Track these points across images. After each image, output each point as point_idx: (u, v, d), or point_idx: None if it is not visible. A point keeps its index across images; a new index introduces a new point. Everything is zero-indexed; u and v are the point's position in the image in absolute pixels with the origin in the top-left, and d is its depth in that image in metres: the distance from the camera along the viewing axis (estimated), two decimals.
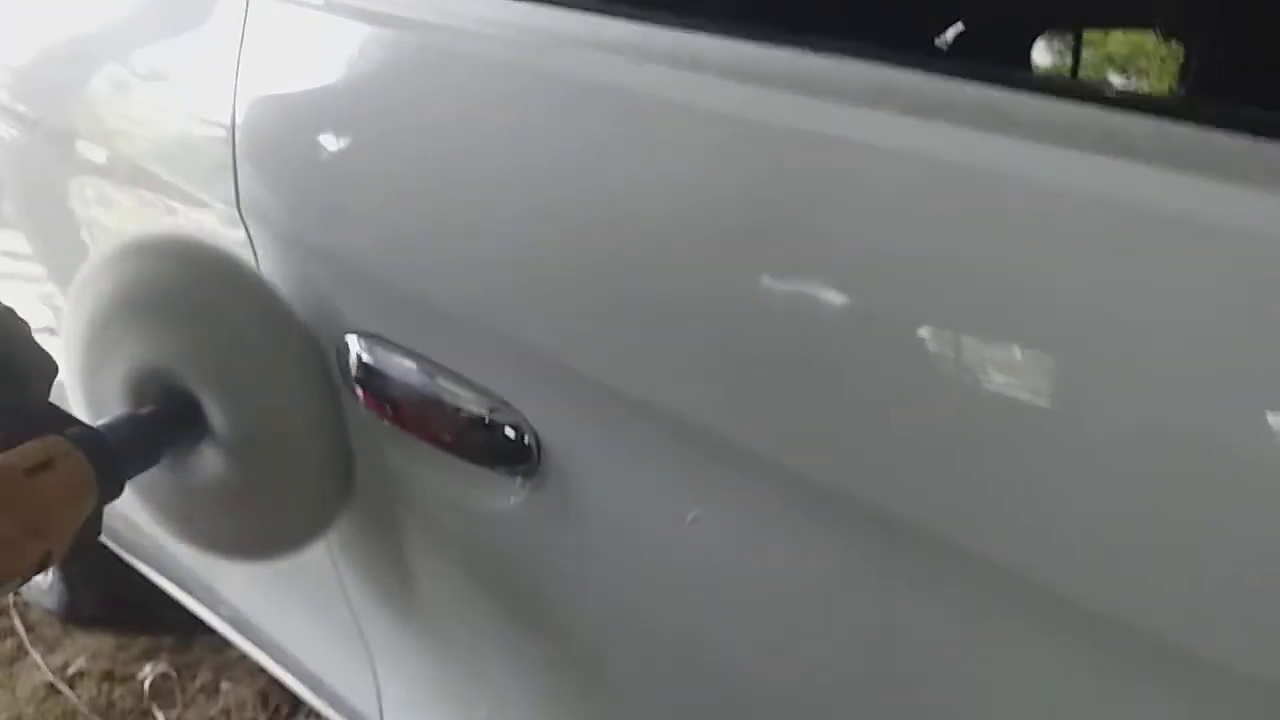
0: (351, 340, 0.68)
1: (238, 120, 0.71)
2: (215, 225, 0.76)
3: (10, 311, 0.66)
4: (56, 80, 0.93)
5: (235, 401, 0.70)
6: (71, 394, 0.78)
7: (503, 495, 0.64)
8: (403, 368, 0.66)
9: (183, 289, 0.71)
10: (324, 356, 0.70)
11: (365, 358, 0.67)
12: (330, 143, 0.66)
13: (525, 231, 0.56)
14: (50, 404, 0.66)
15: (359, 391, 0.68)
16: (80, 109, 0.89)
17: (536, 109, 0.56)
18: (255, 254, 0.74)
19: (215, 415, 0.71)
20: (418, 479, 0.70)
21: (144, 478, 0.70)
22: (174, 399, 0.72)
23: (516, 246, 0.56)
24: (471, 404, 0.63)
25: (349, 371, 0.69)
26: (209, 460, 0.73)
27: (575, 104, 0.55)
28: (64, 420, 0.65)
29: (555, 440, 0.60)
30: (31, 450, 0.59)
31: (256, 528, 0.77)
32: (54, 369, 0.67)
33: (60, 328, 0.77)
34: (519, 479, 0.63)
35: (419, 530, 0.73)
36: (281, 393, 0.71)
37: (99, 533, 0.65)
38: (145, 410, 0.72)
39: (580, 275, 0.54)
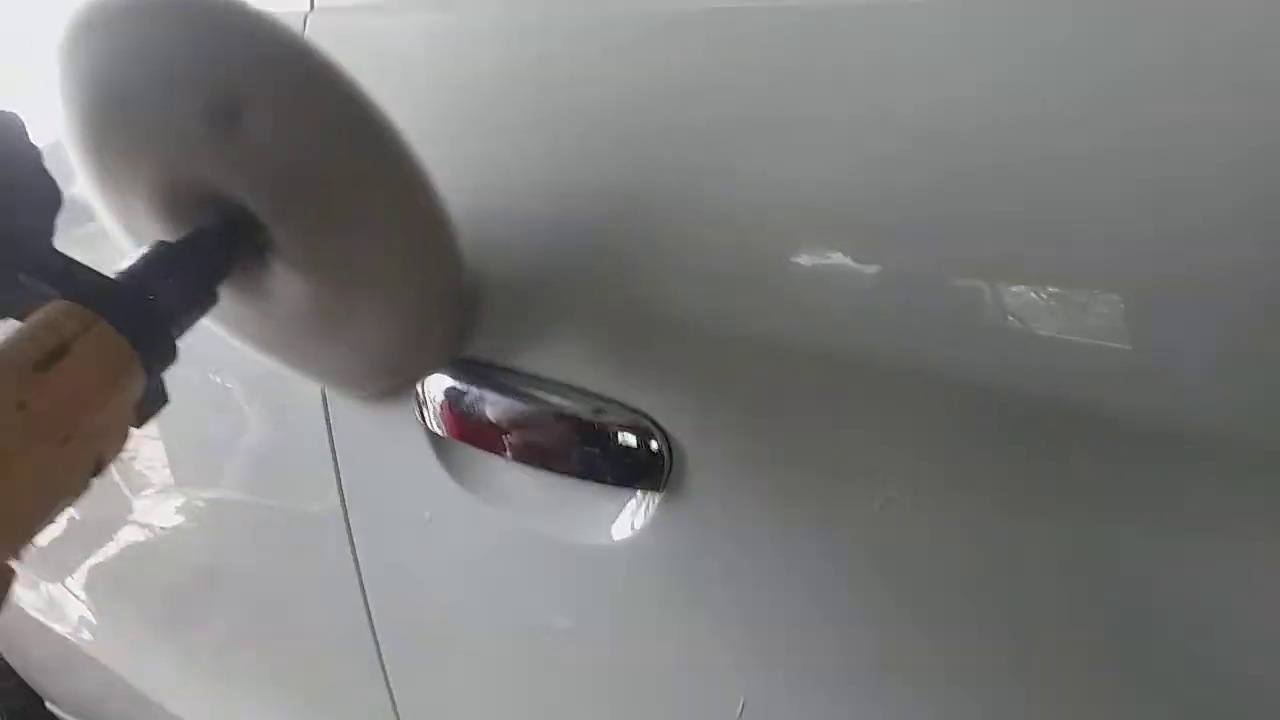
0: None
1: None
2: None
3: (20, 124, 0.48)
4: None
5: (317, 199, 0.52)
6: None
7: (624, 519, 0.55)
8: (498, 386, 0.58)
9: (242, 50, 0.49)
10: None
11: (453, 384, 0.59)
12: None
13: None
14: (55, 251, 0.48)
15: (444, 426, 0.60)
16: None
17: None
18: None
19: (284, 225, 0.52)
20: (512, 519, 0.60)
21: (220, 315, 0.53)
22: (220, 207, 0.52)
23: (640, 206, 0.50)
24: (583, 413, 0.54)
25: (427, 405, 0.61)
26: (288, 277, 0.54)
27: None
28: (77, 275, 0.46)
29: (691, 439, 0.51)
30: (38, 331, 0.42)
31: (385, 340, 0.59)
32: (57, 197, 0.49)
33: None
34: (642, 496, 0.54)
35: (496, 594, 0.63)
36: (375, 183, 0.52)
37: (165, 401, 0.49)
38: (185, 236, 0.52)
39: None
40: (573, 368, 0.55)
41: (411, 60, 0.63)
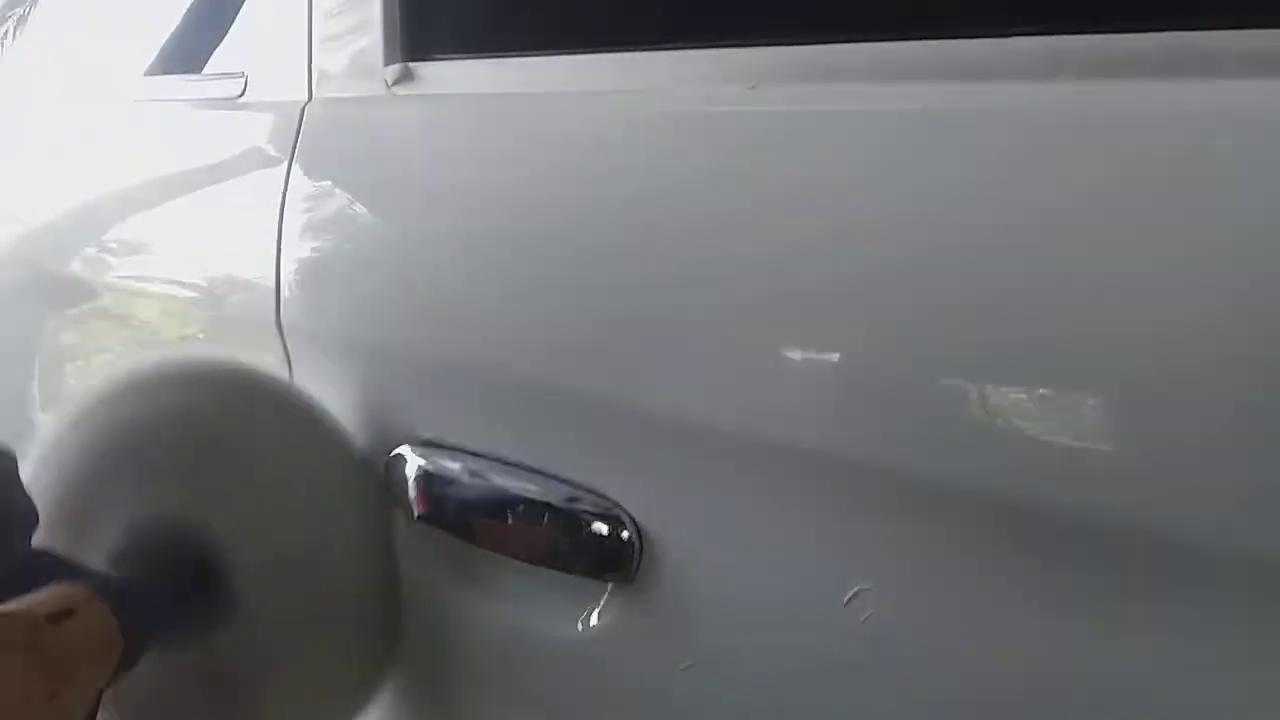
0: (405, 451, 0.60)
1: (284, 230, 0.66)
2: (250, 348, 0.69)
3: (14, 464, 0.55)
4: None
5: (268, 550, 0.58)
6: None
7: (593, 610, 0.54)
8: (469, 471, 0.57)
9: (202, 420, 0.60)
10: (373, 485, 0.61)
11: (425, 466, 0.59)
12: (388, 235, 0.62)
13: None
14: (46, 550, 0.55)
15: (415, 506, 0.59)
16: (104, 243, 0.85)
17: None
18: (292, 379, 0.67)
19: (240, 574, 0.58)
20: (480, 609, 0.59)
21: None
22: (184, 559, 0.58)
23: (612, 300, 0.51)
24: (554, 499, 0.54)
25: (402, 488, 0.60)
26: (230, 636, 0.58)
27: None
28: (69, 567, 0.54)
29: (661, 530, 0.51)
30: (49, 597, 0.49)
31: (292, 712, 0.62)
32: (36, 518, 0.55)
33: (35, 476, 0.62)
34: (610, 585, 0.53)
35: (480, 678, 0.61)
36: (326, 535, 0.59)
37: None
38: (158, 566, 0.58)
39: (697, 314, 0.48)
40: (546, 455, 0.54)
41: (403, 149, 0.65)
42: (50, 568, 0.53)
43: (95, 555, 0.58)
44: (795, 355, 0.46)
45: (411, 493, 0.59)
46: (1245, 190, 0.36)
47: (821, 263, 0.45)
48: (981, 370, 0.41)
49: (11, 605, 0.47)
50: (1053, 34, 0.42)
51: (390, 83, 0.65)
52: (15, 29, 1.37)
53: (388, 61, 0.66)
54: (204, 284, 0.76)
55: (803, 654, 0.47)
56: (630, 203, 0.52)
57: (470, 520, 0.58)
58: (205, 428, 0.60)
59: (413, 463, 0.59)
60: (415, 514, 0.60)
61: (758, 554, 0.48)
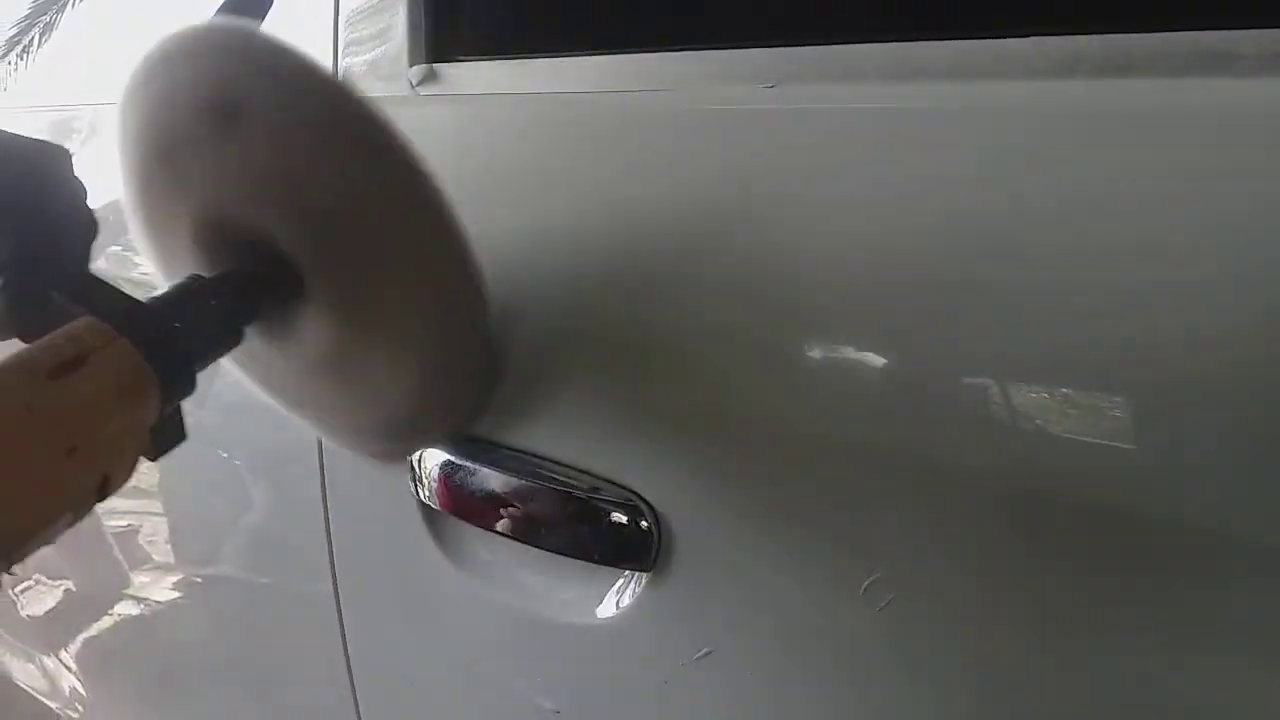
0: None
1: None
2: None
3: (51, 145, 0.49)
4: None
5: (356, 246, 0.52)
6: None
7: (611, 598, 0.55)
8: (490, 462, 0.58)
9: (290, 92, 0.50)
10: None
11: (448, 458, 0.60)
12: None
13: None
14: (90, 274, 0.48)
15: (439, 497, 0.60)
16: None
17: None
18: None
19: (321, 272, 0.52)
20: (500, 596, 0.60)
21: (243, 357, 0.53)
22: (257, 249, 0.52)
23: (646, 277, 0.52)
24: (574, 489, 0.55)
25: (422, 479, 0.61)
26: (312, 330, 0.54)
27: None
28: (106, 296, 0.47)
29: (680, 519, 0.52)
30: (57, 343, 0.43)
31: (406, 396, 0.57)
32: (94, 227, 0.50)
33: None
34: (628, 574, 0.54)
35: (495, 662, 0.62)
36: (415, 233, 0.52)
37: (182, 437, 0.49)
38: (218, 274, 0.53)
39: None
40: (566, 446, 0.56)
41: (427, 148, 0.66)
42: (88, 294, 0.47)
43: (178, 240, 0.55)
44: (812, 344, 0.47)
45: (435, 484, 0.61)
46: None
47: (837, 254, 0.46)
48: (997, 361, 0.41)
49: (21, 353, 0.42)
50: (1070, 34, 0.43)
51: (415, 83, 0.67)
52: (40, 36, 1.39)
53: (412, 62, 0.67)
54: None
55: (819, 642, 0.48)
56: (652, 200, 0.53)
57: (491, 510, 0.59)
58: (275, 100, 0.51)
59: (437, 455, 0.60)
60: (439, 504, 0.61)
61: (775, 543, 0.49)
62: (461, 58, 0.66)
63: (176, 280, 0.51)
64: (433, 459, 0.60)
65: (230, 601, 0.86)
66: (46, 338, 0.42)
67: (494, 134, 0.63)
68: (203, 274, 0.52)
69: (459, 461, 0.59)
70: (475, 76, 0.65)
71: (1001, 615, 0.43)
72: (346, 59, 0.71)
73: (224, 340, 0.51)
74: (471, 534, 0.60)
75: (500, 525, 0.58)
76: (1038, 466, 0.40)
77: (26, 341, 0.44)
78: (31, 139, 0.48)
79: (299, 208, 0.52)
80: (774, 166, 0.49)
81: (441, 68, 0.66)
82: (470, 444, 0.59)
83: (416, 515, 0.63)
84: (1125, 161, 0.40)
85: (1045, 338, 0.40)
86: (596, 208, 0.55)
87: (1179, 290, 0.38)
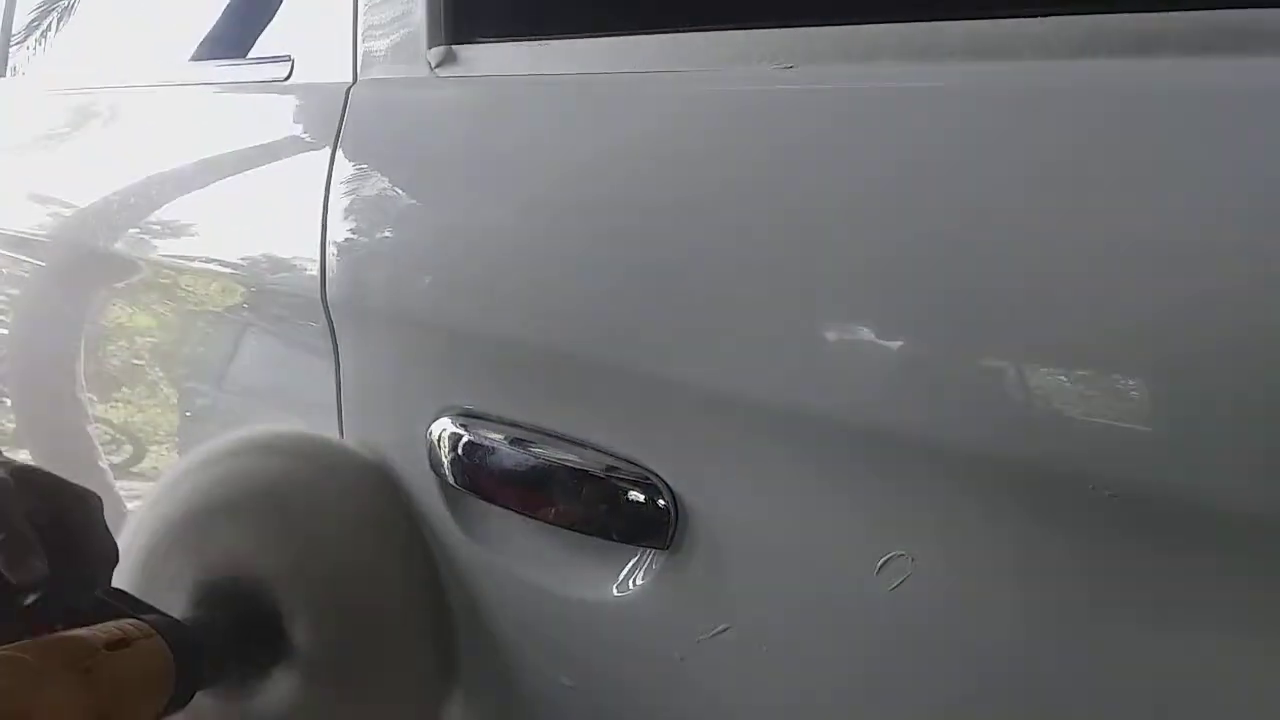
0: (447, 421, 0.62)
1: (330, 208, 0.68)
2: (295, 323, 0.71)
3: (87, 492, 0.60)
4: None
5: (329, 607, 0.63)
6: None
7: (627, 576, 0.55)
8: (509, 440, 0.59)
9: (274, 483, 0.67)
10: (423, 541, 0.64)
11: (466, 436, 0.60)
12: (431, 213, 0.64)
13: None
14: (118, 589, 0.60)
15: (456, 474, 0.61)
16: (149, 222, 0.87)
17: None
18: (337, 353, 0.69)
19: (301, 626, 0.62)
20: (517, 573, 0.61)
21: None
22: (252, 609, 0.63)
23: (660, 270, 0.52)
24: (591, 468, 0.55)
25: (443, 457, 0.62)
26: (285, 684, 0.63)
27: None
28: (137, 604, 0.59)
29: (697, 498, 0.52)
30: (109, 627, 0.53)
31: None
32: (115, 557, 0.60)
33: (126, 536, 0.69)
34: (646, 552, 0.54)
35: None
36: (382, 591, 0.64)
37: None
38: (222, 615, 0.63)
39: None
40: (585, 424, 0.56)
41: (446, 129, 0.66)
42: (121, 605, 0.58)
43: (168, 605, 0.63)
44: (830, 325, 0.47)
45: (453, 462, 0.61)
46: None
47: (856, 235, 0.46)
48: (1017, 342, 0.42)
49: (76, 631, 0.52)
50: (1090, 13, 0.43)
51: (434, 65, 0.67)
52: (58, 20, 1.40)
53: (431, 44, 0.67)
54: (251, 261, 0.78)
55: (836, 621, 0.48)
56: (670, 181, 0.53)
57: (509, 488, 0.59)
58: (274, 494, 0.66)
59: (454, 433, 0.61)
60: (456, 482, 0.61)
61: (792, 521, 0.49)
62: (480, 39, 0.66)
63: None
64: (451, 437, 0.61)
65: None
66: (99, 625, 0.53)
67: (513, 116, 0.63)
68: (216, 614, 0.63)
69: (478, 440, 0.60)
70: (494, 58, 0.66)
71: (1016, 597, 0.43)
72: (366, 41, 0.71)
73: (225, 667, 0.61)
74: (490, 512, 0.61)
75: (519, 503, 0.59)
76: (1053, 448, 0.41)
77: None
78: (73, 484, 0.59)
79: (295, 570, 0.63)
80: (793, 148, 0.50)
81: (460, 49, 0.66)
82: (487, 421, 0.60)
83: (435, 492, 0.63)
84: (1144, 142, 0.40)
85: (1065, 320, 0.40)
86: (615, 190, 0.55)
87: (1198, 273, 0.38)
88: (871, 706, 0.48)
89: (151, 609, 0.59)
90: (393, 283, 0.65)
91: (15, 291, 1.19)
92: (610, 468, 0.55)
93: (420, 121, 0.68)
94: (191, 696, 0.57)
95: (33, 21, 1.40)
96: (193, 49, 0.99)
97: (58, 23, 1.39)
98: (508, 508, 0.60)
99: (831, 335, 0.47)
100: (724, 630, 0.52)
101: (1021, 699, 0.44)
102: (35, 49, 1.39)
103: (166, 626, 0.56)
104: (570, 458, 0.56)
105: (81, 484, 0.59)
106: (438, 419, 0.62)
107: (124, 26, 1.19)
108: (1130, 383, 0.39)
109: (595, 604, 0.56)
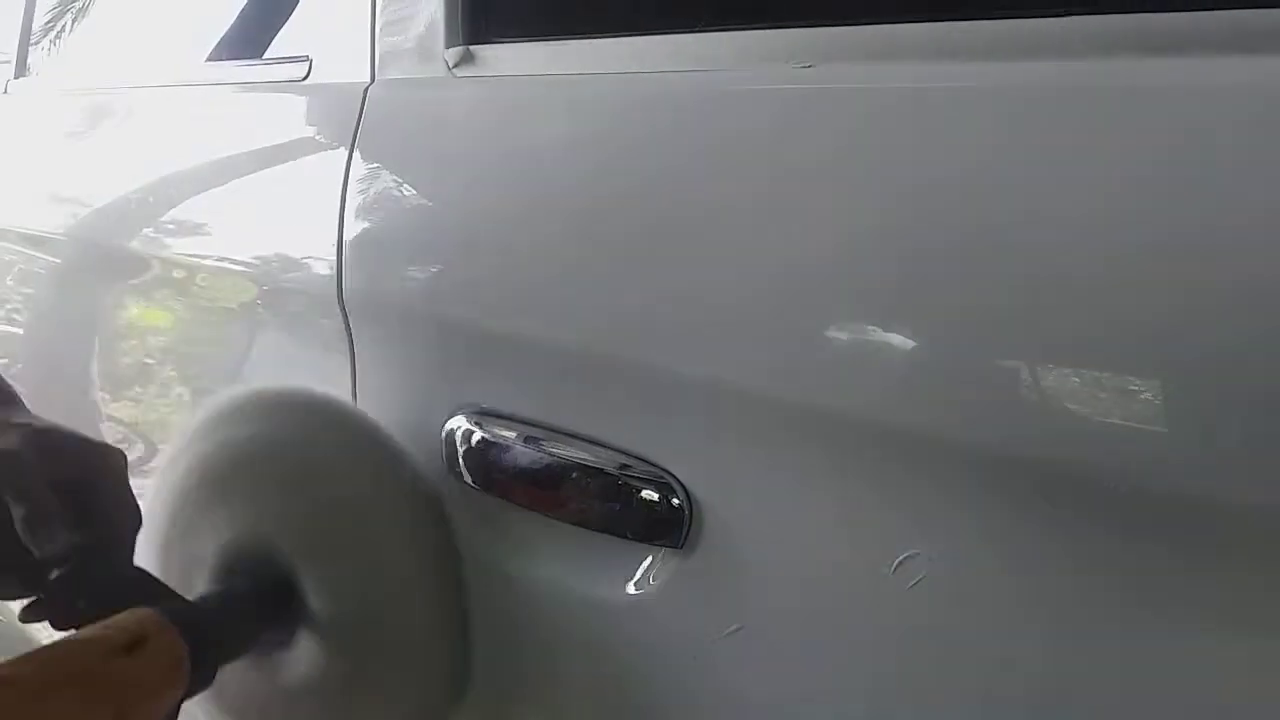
0: (462, 419, 0.62)
1: (347, 206, 0.69)
2: (312, 320, 0.72)
3: (111, 450, 0.59)
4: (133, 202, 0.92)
5: (341, 574, 0.62)
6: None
7: (641, 575, 0.55)
8: (524, 438, 0.59)
9: (285, 449, 0.65)
10: (432, 504, 0.64)
11: (480, 434, 0.61)
12: (447, 212, 0.64)
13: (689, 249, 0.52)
14: (140, 568, 0.59)
15: (471, 472, 0.61)
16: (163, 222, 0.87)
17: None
18: (352, 350, 0.70)
19: (315, 594, 0.62)
20: (532, 571, 0.61)
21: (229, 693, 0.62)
22: (268, 576, 0.63)
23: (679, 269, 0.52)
24: (605, 466, 0.55)
25: (458, 454, 0.62)
26: (305, 649, 0.63)
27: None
28: (155, 588, 0.59)
29: (711, 497, 0.52)
30: (126, 623, 0.52)
31: None
32: (139, 521, 0.60)
33: (147, 497, 0.68)
34: (660, 551, 0.54)
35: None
36: (395, 562, 0.63)
37: None
38: (239, 587, 0.63)
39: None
40: (600, 423, 0.56)
41: (463, 129, 0.67)
42: (139, 586, 0.58)
43: (185, 573, 0.65)
44: (845, 323, 0.47)
45: (468, 459, 0.61)
46: None
47: (871, 234, 0.46)
48: (1034, 341, 0.42)
49: (92, 629, 0.52)
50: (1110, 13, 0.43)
51: (451, 65, 0.67)
52: (73, 21, 1.41)
53: (449, 44, 0.68)
54: (267, 260, 0.78)
55: (850, 620, 0.48)
56: (688, 180, 0.53)
57: (523, 486, 0.59)
58: (283, 456, 0.65)
59: (469, 430, 0.61)
60: (471, 480, 0.61)
61: (805, 521, 0.49)
62: (498, 39, 0.66)
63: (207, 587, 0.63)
64: (466, 435, 0.61)
65: None
66: (111, 619, 0.52)
67: (530, 116, 0.63)
68: (233, 587, 0.63)
69: (493, 438, 0.60)
70: (512, 58, 0.66)
71: (1032, 596, 0.43)
72: (384, 41, 0.72)
73: (241, 644, 0.60)
74: (504, 510, 0.61)
75: (532, 501, 0.59)
76: (1070, 447, 0.41)
77: (73, 626, 0.54)
78: (96, 442, 0.58)
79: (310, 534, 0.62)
80: (811, 147, 0.50)
81: (478, 49, 0.67)
82: (502, 420, 0.60)
83: (449, 490, 0.64)
84: (1166, 143, 0.40)
85: (1081, 319, 0.40)
86: (632, 189, 0.56)
87: (1212, 273, 0.38)
88: (885, 706, 0.48)
89: (170, 593, 0.58)
90: (409, 281, 0.65)
91: (32, 289, 1.20)
92: (624, 466, 0.55)
93: (437, 121, 0.68)
94: (212, 678, 0.57)
95: (48, 22, 1.41)
96: (209, 49, 1.00)
97: (72, 23, 1.40)
98: (521, 505, 0.60)
99: (846, 334, 0.47)
100: (737, 629, 0.52)
101: (1037, 698, 0.44)
102: (51, 49, 1.40)
103: (181, 617, 0.55)
104: (584, 456, 0.56)
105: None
106: (453, 416, 0.62)
107: (140, 27, 1.20)
108: (1148, 381, 0.39)
109: (608, 603, 0.57)
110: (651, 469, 0.54)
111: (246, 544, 0.63)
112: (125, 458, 0.59)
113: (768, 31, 0.54)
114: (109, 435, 1.03)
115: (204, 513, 0.65)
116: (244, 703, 0.66)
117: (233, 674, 0.62)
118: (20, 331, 1.23)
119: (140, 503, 0.60)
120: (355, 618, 0.62)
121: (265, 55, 0.89)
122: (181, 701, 0.54)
